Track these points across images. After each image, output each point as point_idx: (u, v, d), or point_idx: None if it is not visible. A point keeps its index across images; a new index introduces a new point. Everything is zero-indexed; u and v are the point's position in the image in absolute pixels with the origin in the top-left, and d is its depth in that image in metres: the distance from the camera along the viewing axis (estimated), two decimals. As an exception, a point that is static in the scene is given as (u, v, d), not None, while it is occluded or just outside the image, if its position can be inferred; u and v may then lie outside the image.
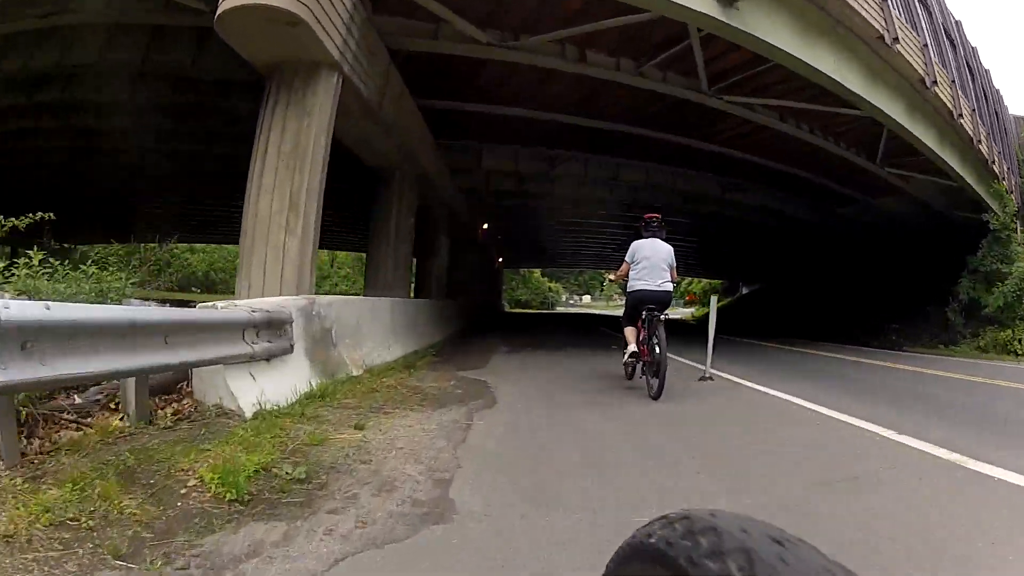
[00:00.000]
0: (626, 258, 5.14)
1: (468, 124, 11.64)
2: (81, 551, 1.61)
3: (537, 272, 61.54)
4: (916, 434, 3.47)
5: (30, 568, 1.49)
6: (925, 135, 10.94)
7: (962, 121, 11.64)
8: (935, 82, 10.30)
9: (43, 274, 3.17)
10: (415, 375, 5.42)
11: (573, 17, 7.88)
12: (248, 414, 3.27)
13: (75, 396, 3.04)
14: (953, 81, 11.90)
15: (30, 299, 2.70)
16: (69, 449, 2.35)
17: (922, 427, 3.70)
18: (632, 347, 4.93)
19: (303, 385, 4.10)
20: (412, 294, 13.48)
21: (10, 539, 1.59)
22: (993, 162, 13.81)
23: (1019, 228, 14.24)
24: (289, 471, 2.39)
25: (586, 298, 78.43)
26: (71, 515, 1.75)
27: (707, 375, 5.88)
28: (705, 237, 25.47)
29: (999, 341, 12.46)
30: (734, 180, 16.08)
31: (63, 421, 2.76)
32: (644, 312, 4.88)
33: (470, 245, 18.69)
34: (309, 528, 1.93)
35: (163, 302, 8.44)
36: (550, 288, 64.87)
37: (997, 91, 16.55)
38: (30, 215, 3.60)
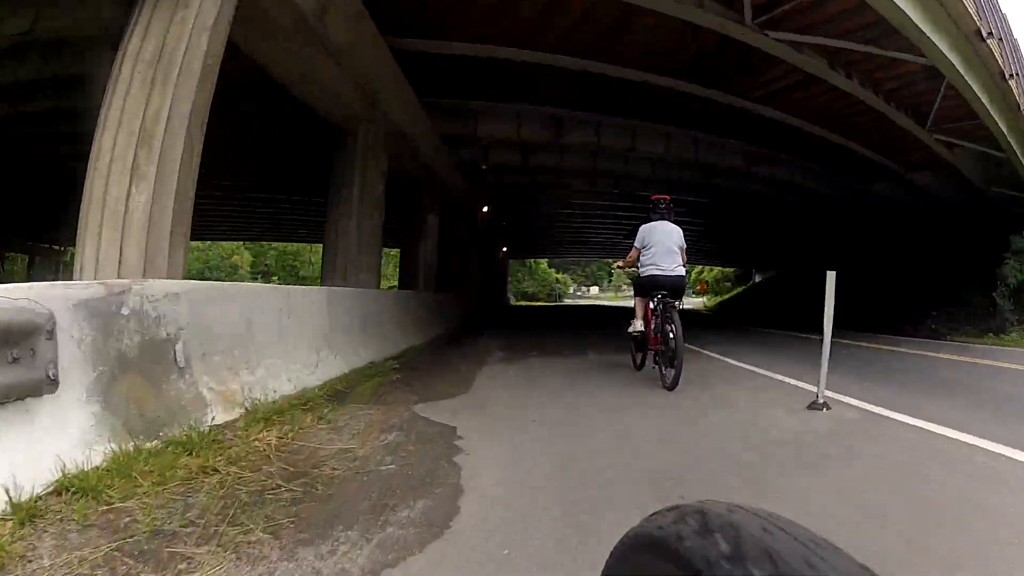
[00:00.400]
0: (635, 243, 4.87)
1: (456, 72, 9.46)
2: None
3: (544, 263, 59.47)
4: None
5: None
6: (981, 94, 9.37)
7: (1011, 83, 9.91)
8: (990, 34, 8.56)
9: None
10: (335, 416, 3.24)
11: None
12: None
13: None
14: (1000, 39, 10.09)
15: None
16: None
17: None
18: (639, 323, 4.84)
19: (79, 454, 2.06)
20: (398, 284, 11.41)
21: None
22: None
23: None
24: None
25: (594, 289, 76.58)
26: None
27: (820, 401, 3.75)
28: (723, 220, 23.30)
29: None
30: (762, 150, 13.94)
31: None
32: (657, 299, 4.64)
33: (469, 231, 16.59)
34: None
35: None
36: (557, 280, 62.82)
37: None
38: None
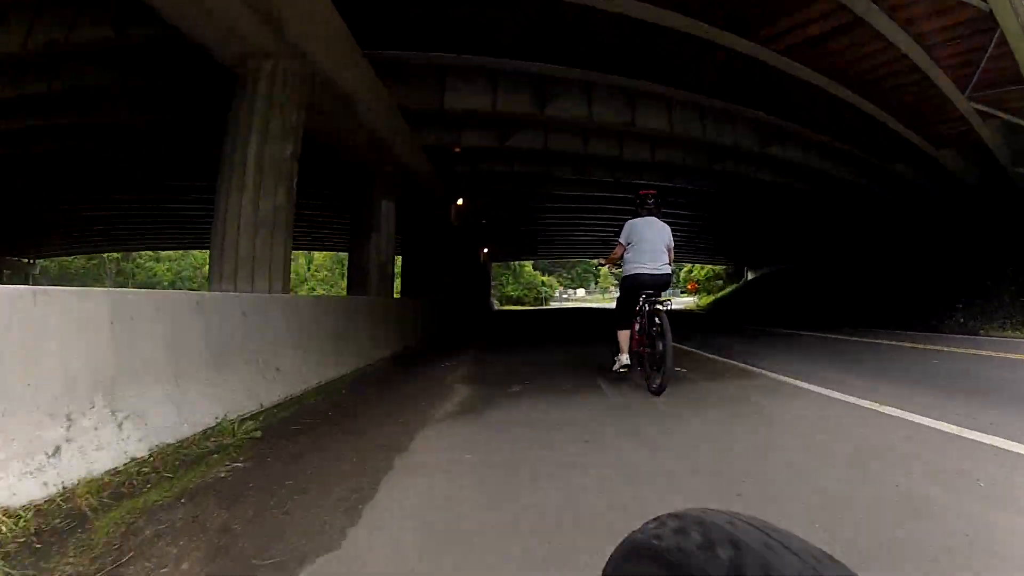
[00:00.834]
0: (620, 239, 4.56)
1: (411, 16, 7.33)
2: None
3: (529, 265, 57.51)
4: None
5: None
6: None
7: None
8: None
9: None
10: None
11: None
12: None
13: None
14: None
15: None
16: None
17: None
18: (625, 357, 4.48)
19: None
20: (346, 289, 9.19)
21: None
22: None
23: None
24: None
25: (580, 292, 75.02)
26: None
27: None
28: (725, 213, 21.45)
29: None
30: (778, 124, 12.10)
31: None
32: (642, 298, 4.37)
33: (441, 227, 14.44)
34: None
35: None
36: (543, 283, 60.91)
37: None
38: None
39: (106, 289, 2.56)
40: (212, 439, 2.62)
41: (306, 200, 17.41)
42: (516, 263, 53.69)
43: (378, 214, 8.16)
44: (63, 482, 2.00)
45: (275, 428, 3.05)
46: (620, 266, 4.66)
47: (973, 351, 7.01)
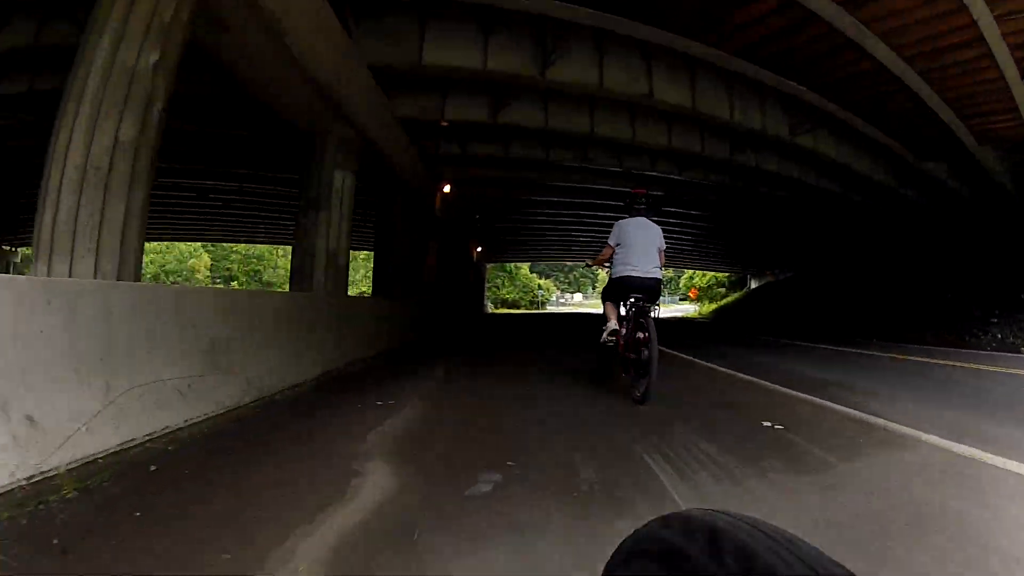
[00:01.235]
0: (610, 240, 4.39)
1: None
2: None
3: (525, 268, 55.67)
4: None
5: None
6: None
7: None
8: None
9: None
10: None
11: None
12: None
13: None
14: None
15: None
16: None
17: None
18: (612, 323, 4.31)
19: None
20: (289, 286, 7.33)
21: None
22: None
23: None
24: None
25: (577, 296, 73.26)
26: None
27: None
28: (738, 214, 19.70)
29: None
30: (812, 107, 10.42)
31: None
32: (630, 302, 4.17)
33: (424, 217, 12.62)
34: None
35: None
36: (539, 286, 59.00)
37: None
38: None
39: None
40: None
41: (273, 187, 15.57)
42: (512, 265, 51.86)
43: (327, 188, 6.31)
44: None
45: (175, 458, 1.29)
46: (608, 267, 4.48)
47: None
